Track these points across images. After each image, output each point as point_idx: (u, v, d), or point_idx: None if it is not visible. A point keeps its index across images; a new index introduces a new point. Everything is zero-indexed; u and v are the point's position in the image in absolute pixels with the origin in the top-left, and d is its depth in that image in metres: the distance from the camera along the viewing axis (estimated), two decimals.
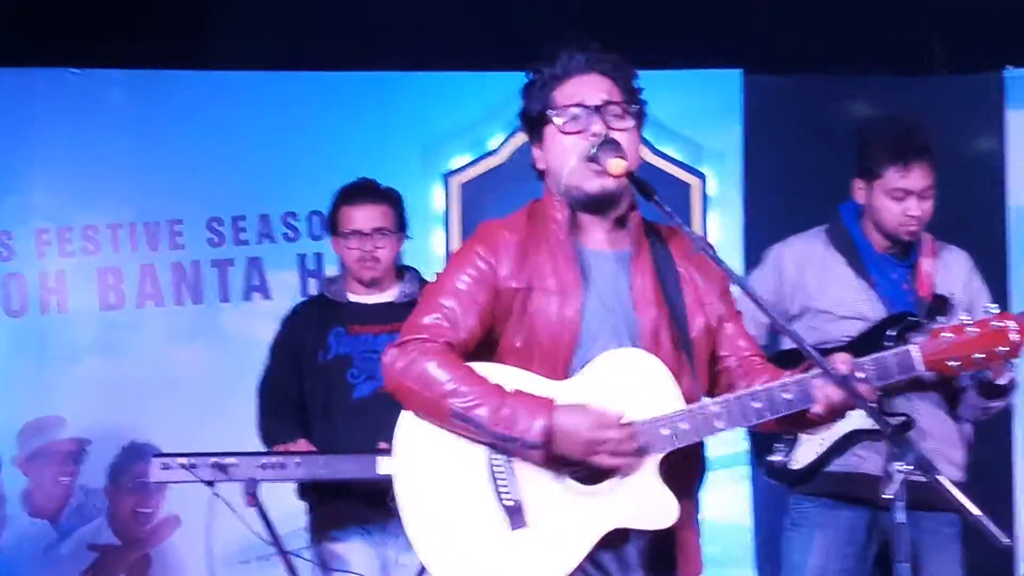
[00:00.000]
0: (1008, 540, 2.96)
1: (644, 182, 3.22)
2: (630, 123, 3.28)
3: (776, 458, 4.65)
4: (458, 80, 7.08)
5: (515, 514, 3.13)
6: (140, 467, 6.66)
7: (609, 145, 3.19)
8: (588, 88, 3.28)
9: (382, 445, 4.54)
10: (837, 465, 4.45)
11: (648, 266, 3.32)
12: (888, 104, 6.43)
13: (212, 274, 6.95)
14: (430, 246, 6.78)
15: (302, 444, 4.94)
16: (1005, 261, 6.37)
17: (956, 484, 4.24)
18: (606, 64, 3.31)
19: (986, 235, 5.99)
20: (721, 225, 6.85)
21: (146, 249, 6.92)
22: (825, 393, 3.09)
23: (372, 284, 5.17)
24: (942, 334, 3.16)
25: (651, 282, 3.30)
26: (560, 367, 3.20)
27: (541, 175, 3.38)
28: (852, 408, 3.15)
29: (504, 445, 3.12)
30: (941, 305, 4.52)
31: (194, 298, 6.95)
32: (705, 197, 6.93)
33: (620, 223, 3.31)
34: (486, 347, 3.26)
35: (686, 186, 6.89)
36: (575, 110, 3.26)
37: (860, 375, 3.11)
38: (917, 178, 4.53)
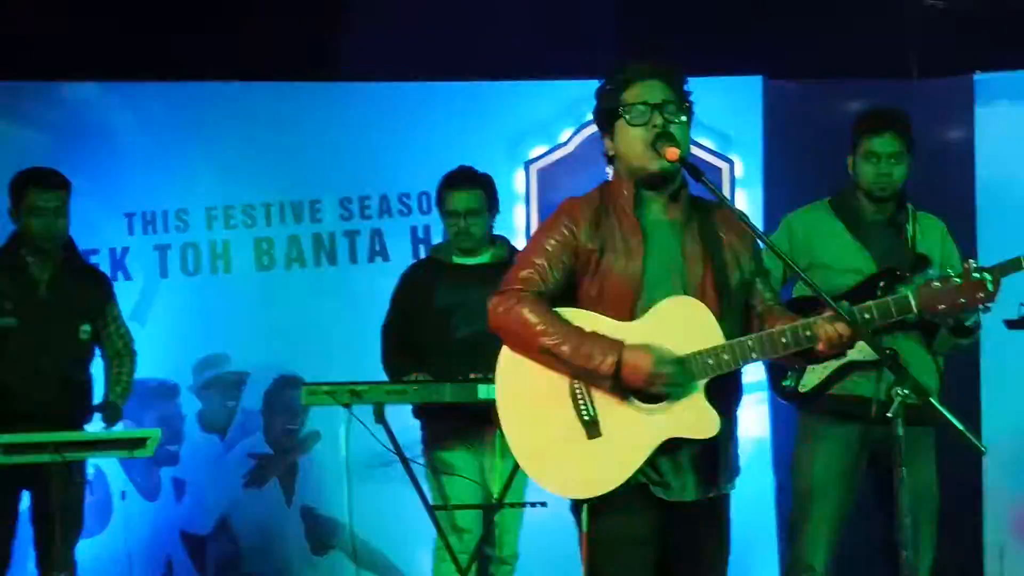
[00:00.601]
0: (984, 448, 3.06)
1: (694, 165, 3.29)
2: (683, 118, 3.31)
3: (788, 383, 4.65)
4: (535, 87, 7.09)
5: (591, 426, 3.18)
6: (289, 393, 6.80)
7: (665, 137, 3.24)
8: (650, 91, 3.30)
9: (473, 376, 4.72)
10: (837, 389, 4.44)
11: (696, 232, 3.34)
12: (879, 102, 6.41)
13: (343, 242, 6.98)
14: (513, 219, 6.77)
15: (417, 375, 4.99)
16: (973, 228, 6.33)
17: (925, 402, 4.36)
18: (664, 72, 3.34)
19: (958, 208, 5.94)
20: (746, 200, 6.82)
21: (292, 222, 6.97)
22: (829, 333, 3.13)
23: (469, 251, 5.23)
24: (933, 283, 3.19)
25: (698, 245, 3.33)
26: (626, 311, 3.24)
27: (610, 160, 3.41)
28: (850, 347, 3.19)
29: (583, 374, 3.19)
30: (921, 262, 4.51)
31: (330, 261, 6.98)
32: (733, 178, 6.93)
33: (674, 198, 3.35)
34: (568, 295, 3.31)
35: (718, 169, 6.87)
36: (640, 107, 3.28)
37: (866, 316, 3.17)
38: (886, 143, 4.51)
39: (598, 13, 6.67)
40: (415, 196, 6.98)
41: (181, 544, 6.83)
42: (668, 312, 3.23)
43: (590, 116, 6.78)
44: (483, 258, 5.25)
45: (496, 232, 5.46)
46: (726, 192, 6.80)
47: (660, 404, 3.18)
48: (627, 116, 3.31)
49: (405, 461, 4.82)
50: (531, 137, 7.05)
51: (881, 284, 4.45)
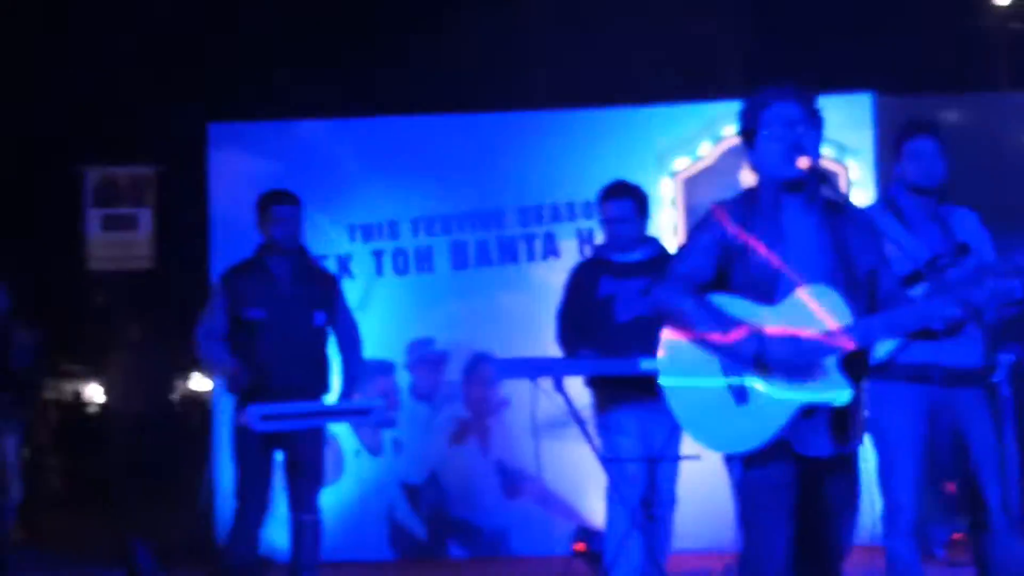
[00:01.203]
0: None
1: (823, 171, 3.22)
2: (813, 132, 3.23)
3: None
4: (679, 110, 7.07)
5: (740, 394, 3.13)
6: (482, 368, 6.91)
7: (798, 149, 3.17)
8: (783, 110, 3.22)
9: (635, 354, 4.62)
10: (903, 357, 4.24)
11: (828, 229, 3.26)
12: (969, 113, 6.19)
13: (523, 244, 7.03)
14: (663, 223, 6.68)
15: (585, 352, 4.94)
16: None
17: (976, 367, 4.14)
18: (797, 92, 3.26)
19: None
20: (863, 198, 6.57)
21: (481, 229, 7.04)
22: (946, 315, 3.08)
23: (625, 249, 5.10)
24: None
25: (829, 240, 3.24)
26: (768, 296, 3.17)
27: (754, 168, 3.32)
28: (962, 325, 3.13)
29: (731, 354, 3.13)
30: (964, 249, 4.31)
31: (512, 259, 7.04)
32: (849, 181, 6.78)
33: (809, 200, 3.26)
34: (719, 282, 3.23)
35: (836, 173, 6.71)
36: (777, 124, 3.21)
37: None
38: (926, 144, 4.32)
39: (729, 45, 6.59)
40: (580, 204, 6.94)
41: (401, 492, 6.96)
42: (808, 297, 3.16)
43: (726, 132, 6.77)
44: (637, 255, 5.12)
45: (648, 234, 5.29)
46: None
47: (799, 376, 3.12)
48: (766, 132, 3.24)
49: (581, 422, 4.80)
50: (676, 152, 6.97)
51: (935, 268, 4.26)
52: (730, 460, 3.21)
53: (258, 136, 7.24)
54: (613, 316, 5.02)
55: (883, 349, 4.38)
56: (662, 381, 3.23)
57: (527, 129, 7.14)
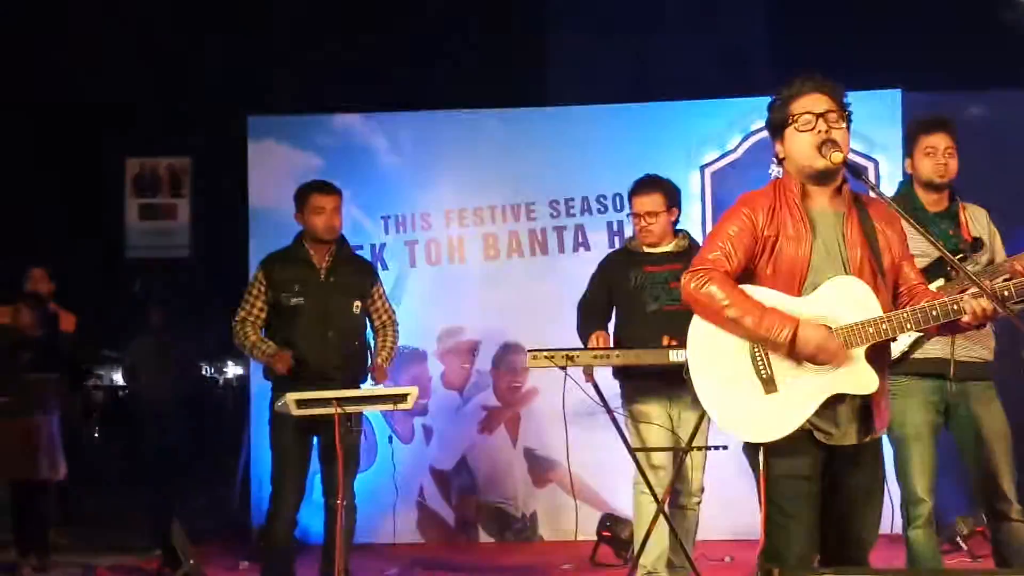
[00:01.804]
0: None
1: (855, 165, 3.18)
2: (843, 125, 3.20)
3: None
4: (708, 105, 7.06)
5: (768, 383, 3.11)
6: (512, 357, 6.96)
7: (831, 143, 3.14)
8: (815, 102, 3.19)
9: (665, 342, 4.65)
10: (918, 352, 4.25)
11: (855, 221, 3.23)
12: (995, 110, 6.14)
13: (553, 236, 7.04)
14: (691, 215, 6.69)
15: (602, 340, 4.88)
16: None
17: (986, 362, 4.18)
18: (826, 86, 3.23)
19: None
20: (889, 194, 6.56)
21: (512, 221, 7.06)
22: (975, 308, 3.05)
23: (652, 243, 5.06)
24: None
25: (857, 232, 3.21)
26: (795, 288, 3.15)
27: (780, 161, 3.30)
28: (992, 320, 3.10)
29: (762, 342, 3.11)
30: (976, 244, 4.33)
31: (542, 251, 7.04)
32: (878, 175, 6.77)
33: (836, 192, 3.24)
34: (748, 273, 3.21)
35: (865, 168, 6.71)
36: (807, 116, 3.18)
37: (1006, 293, 3.07)
38: (939, 140, 4.34)
39: (759, 42, 6.58)
40: (611, 197, 6.97)
41: (431, 477, 7.01)
42: (836, 289, 3.15)
43: (754, 126, 6.74)
44: (666, 247, 5.10)
45: (679, 226, 5.26)
46: None
47: (827, 365, 3.10)
48: (796, 124, 3.21)
49: (610, 412, 4.78)
50: (705, 146, 6.98)
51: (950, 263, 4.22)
52: (750, 448, 3.19)
53: (295, 129, 7.27)
54: (642, 307, 5.01)
55: (898, 345, 4.40)
56: (691, 369, 3.19)
57: (559, 123, 7.15)
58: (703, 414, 4.26)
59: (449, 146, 7.13)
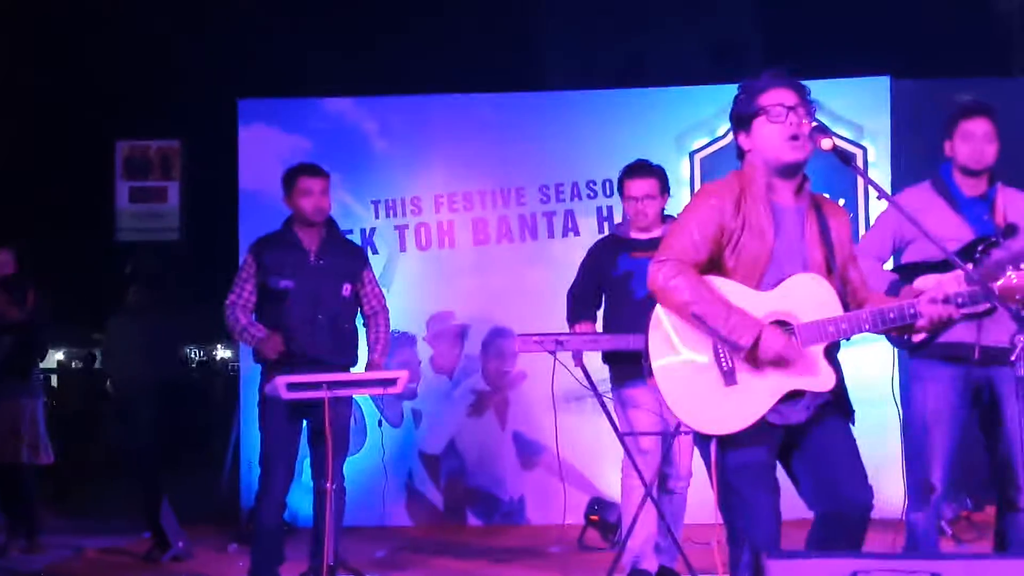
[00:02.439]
0: None
1: (844, 152, 3.18)
2: (809, 119, 3.18)
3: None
4: (698, 91, 7.05)
5: (729, 375, 3.11)
6: (501, 342, 6.93)
7: (820, 129, 3.13)
8: (784, 95, 3.18)
9: None
10: (943, 337, 4.23)
11: (814, 219, 3.24)
12: (984, 97, 6.13)
13: (543, 221, 7.01)
14: (680, 200, 6.37)
15: (589, 327, 4.93)
16: None
17: (1002, 350, 4.06)
18: (794, 82, 3.23)
19: None
20: (877, 180, 6.55)
21: (502, 206, 7.03)
22: (930, 313, 3.10)
23: (644, 228, 5.11)
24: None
25: (816, 230, 3.23)
26: (755, 280, 3.15)
27: (743, 154, 3.27)
28: (947, 328, 3.15)
29: (724, 342, 3.10)
30: (1011, 230, 4.30)
31: (532, 236, 7.01)
32: (866, 162, 6.75)
33: (799, 189, 3.24)
34: (710, 263, 3.19)
35: (853, 154, 6.68)
36: (779, 108, 3.15)
37: (959, 300, 3.11)
38: (978, 126, 4.32)
39: (746, 29, 6.58)
40: (600, 183, 6.96)
41: (420, 461, 7.02)
42: (799, 286, 3.17)
43: None
44: (655, 233, 5.09)
45: (667, 212, 5.27)
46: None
47: (786, 362, 3.11)
48: (767, 115, 3.18)
49: (599, 396, 4.78)
50: (694, 132, 6.96)
51: (979, 249, 4.26)
52: (703, 438, 3.20)
53: (286, 112, 7.25)
54: (630, 294, 5.01)
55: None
56: (651, 357, 3.17)
57: (549, 108, 7.14)
58: None
59: (440, 130, 7.10)
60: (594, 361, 4.99)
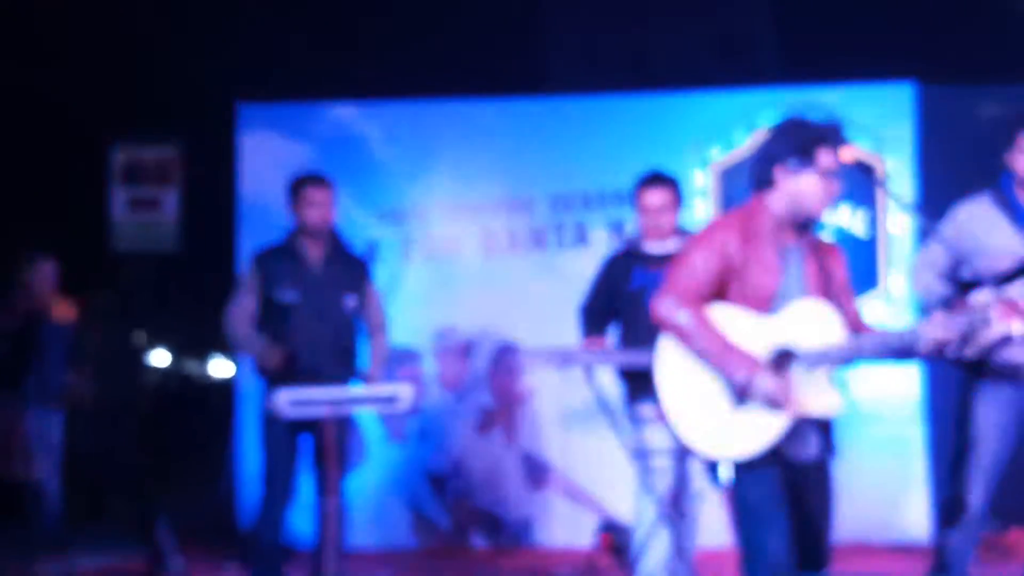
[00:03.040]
0: None
1: (865, 163, 3.39)
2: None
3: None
4: (713, 98, 7.02)
5: (737, 400, 3.28)
6: (509, 358, 6.89)
7: (835, 199, 3.40)
8: (834, 158, 3.38)
9: None
10: (997, 357, 4.23)
11: (814, 254, 3.43)
12: (1014, 105, 6.07)
13: (553, 232, 6.99)
14: (696, 212, 6.66)
15: (602, 343, 4.94)
16: None
17: None
18: (844, 140, 3.45)
19: None
20: (902, 192, 6.47)
21: (511, 216, 7.00)
22: (928, 340, 3.20)
23: (659, 239, 5.05)
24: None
25: (816, 267, 3.42)
26: (764, 308, 3.33)
27: (768, 183, 3.41)
28: (948, 353, 3.24)
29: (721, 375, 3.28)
30: None
31: (541, 247, 6.99)
32: (886, 174, 6.50)
33: (803, 229, 3.44)
34: (718, 293, 3.38)
35: (873, 166, 6.43)
36: (832, 170, 3.37)
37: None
38: None
39: (766, 32, 6.53)
40: (612, 193, 6.90)
41: (425, 481, 6.96)
42: (800, 311, 3.33)
43: (761, 121, 6.68)
44: (670, 246, 5.01)
45: (680, 225, 5.23)
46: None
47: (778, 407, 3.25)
48: (821, 172, 3.37)
49: (611, 414, 4.76)
50: (710, 142, 6.91)
51: None
52: (714, 465, 3.38)
53: (287, 117, 7.21)
54: (644, 308, 4.84)
55: (975, 350, 4.34)
56: (659, 381, 3.34)
57: (559, 115, 7.10)
58: None
59: (447, 138, 7.07)
60: (608, 376, 4.97)
